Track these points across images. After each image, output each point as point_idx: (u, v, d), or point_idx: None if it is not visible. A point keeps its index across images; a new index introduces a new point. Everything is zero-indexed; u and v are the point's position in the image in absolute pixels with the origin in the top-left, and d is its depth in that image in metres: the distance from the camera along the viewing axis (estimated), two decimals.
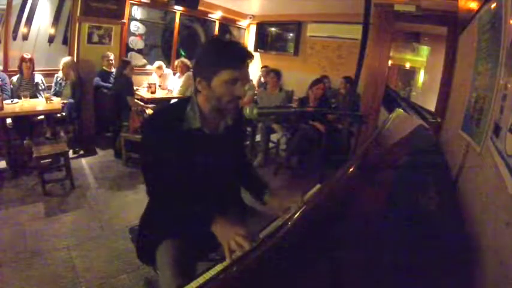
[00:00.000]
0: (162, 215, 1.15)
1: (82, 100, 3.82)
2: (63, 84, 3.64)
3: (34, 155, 2.59)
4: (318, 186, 1.31)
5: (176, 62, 4.64)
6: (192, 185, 1.09)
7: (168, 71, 4.73)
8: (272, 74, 4.00)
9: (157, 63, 4.60)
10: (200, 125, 1.06)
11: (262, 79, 5.45)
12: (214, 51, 1.02)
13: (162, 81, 4.61)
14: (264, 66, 5.58)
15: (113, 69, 4.02)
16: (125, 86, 3.53)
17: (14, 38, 3.63)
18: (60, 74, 3.63)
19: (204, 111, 1.08)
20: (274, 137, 3.98)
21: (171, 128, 1.04)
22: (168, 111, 1.18)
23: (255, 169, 1.41)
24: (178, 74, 4.57)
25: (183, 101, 1.12)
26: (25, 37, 3.71)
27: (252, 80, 5.16)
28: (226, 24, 5.96)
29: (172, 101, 4.24)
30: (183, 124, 1.05)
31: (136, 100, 3.72)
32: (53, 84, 3.62)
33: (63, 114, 3.44)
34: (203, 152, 1.08)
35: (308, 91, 3.59)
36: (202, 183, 1.10)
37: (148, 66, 4.92)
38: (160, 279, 1.05)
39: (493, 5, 1.23)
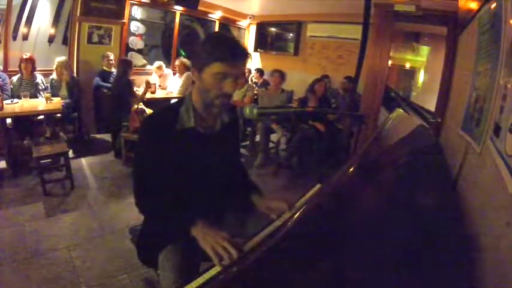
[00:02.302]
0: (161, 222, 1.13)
1: (82, 100, 3.82)
2: (58, 85, 3.62)
3: (34, 155, 2.59)
4: (318, 186, 1.31)
5: (176, 62, 4.64)
6: (188, 184, 1.08)
7: (168, 71, 4.74)
8: (276, 74, 3.99)
9: (157, 63, 4.60)
10: (194, 124, 1.05)
11: (255, 79, 5.44)
12: (210, 43, 1.01)
13: (162, 81, 4.61)
14: (257, 69, 5.59)
15: (113, 69, 4.01)
16: (126, 87, 3.52)
17: (14, 38, 3.63)
18: (54, 76, 3.61)
19: (198, 108, 1.07)
20: (274, 137, 3.98)
21: (165, 128, 1.03)
22: (162, 112, 1.17)
23: (247, 173, 1.38)
24: (178, 74, 4.57)
25: (179, 101, 1.11)
26: (25, 37, 3.71)
27: (251, 81, 5.17)
28: (226, 24, 5.96)
29: (172, 101, 4.24)
30: (178, 124, 1.04)
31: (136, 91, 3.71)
32: (48, 86, 3.61)
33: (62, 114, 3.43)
34: (198, 151, 1.07)
35: (307, 93, 3.59)
36: (198, 182, 1.10)
37: (149, 66, 4.92)
38: (162, 281, 1.04)
39: (493, 5, 1.23)
